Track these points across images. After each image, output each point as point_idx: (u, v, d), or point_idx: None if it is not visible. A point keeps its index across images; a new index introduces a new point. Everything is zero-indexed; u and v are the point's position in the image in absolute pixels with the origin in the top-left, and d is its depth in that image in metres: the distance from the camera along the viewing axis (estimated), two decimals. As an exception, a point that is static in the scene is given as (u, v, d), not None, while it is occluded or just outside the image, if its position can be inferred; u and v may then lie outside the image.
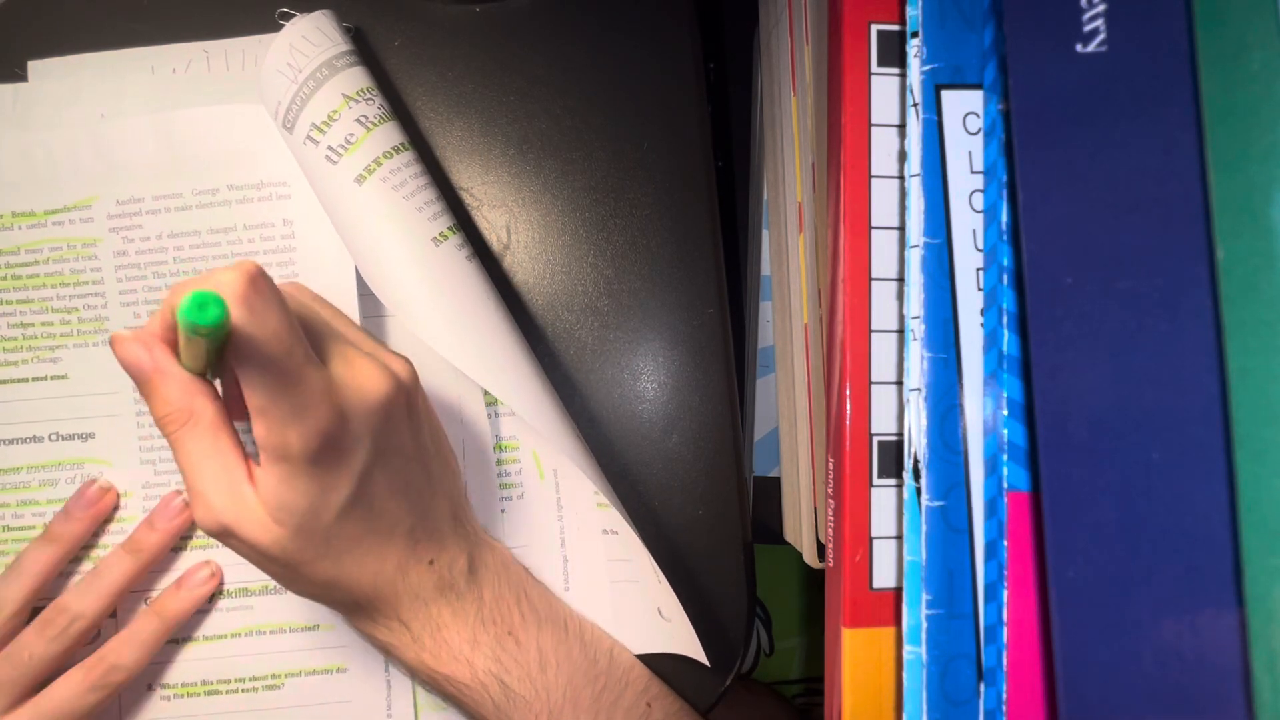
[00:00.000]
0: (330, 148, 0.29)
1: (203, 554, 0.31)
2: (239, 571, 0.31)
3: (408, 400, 0.26)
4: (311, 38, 0.29)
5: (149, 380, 0.23)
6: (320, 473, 0.23)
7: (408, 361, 0.27)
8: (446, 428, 0.31)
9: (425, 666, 0.27)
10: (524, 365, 0.29)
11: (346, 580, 0.25)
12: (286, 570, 0.25)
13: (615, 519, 0.31)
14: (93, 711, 0.28)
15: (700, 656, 0.30)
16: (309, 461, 0.23)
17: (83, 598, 0.29)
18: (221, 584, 0.31)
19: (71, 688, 0.28)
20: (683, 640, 0.30)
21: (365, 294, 0.30)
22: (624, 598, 0.31)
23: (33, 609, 0.29)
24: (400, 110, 0.33)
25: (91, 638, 0.29)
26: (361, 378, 0.24)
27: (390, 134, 0.29)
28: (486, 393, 0.31)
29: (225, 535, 0.24)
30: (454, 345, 0.28)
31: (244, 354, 0.21)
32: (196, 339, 0.21)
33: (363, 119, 0.29)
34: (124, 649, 0.29)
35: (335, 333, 0.25)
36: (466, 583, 0.27)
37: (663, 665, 0.31)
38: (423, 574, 0.26)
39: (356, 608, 0.27)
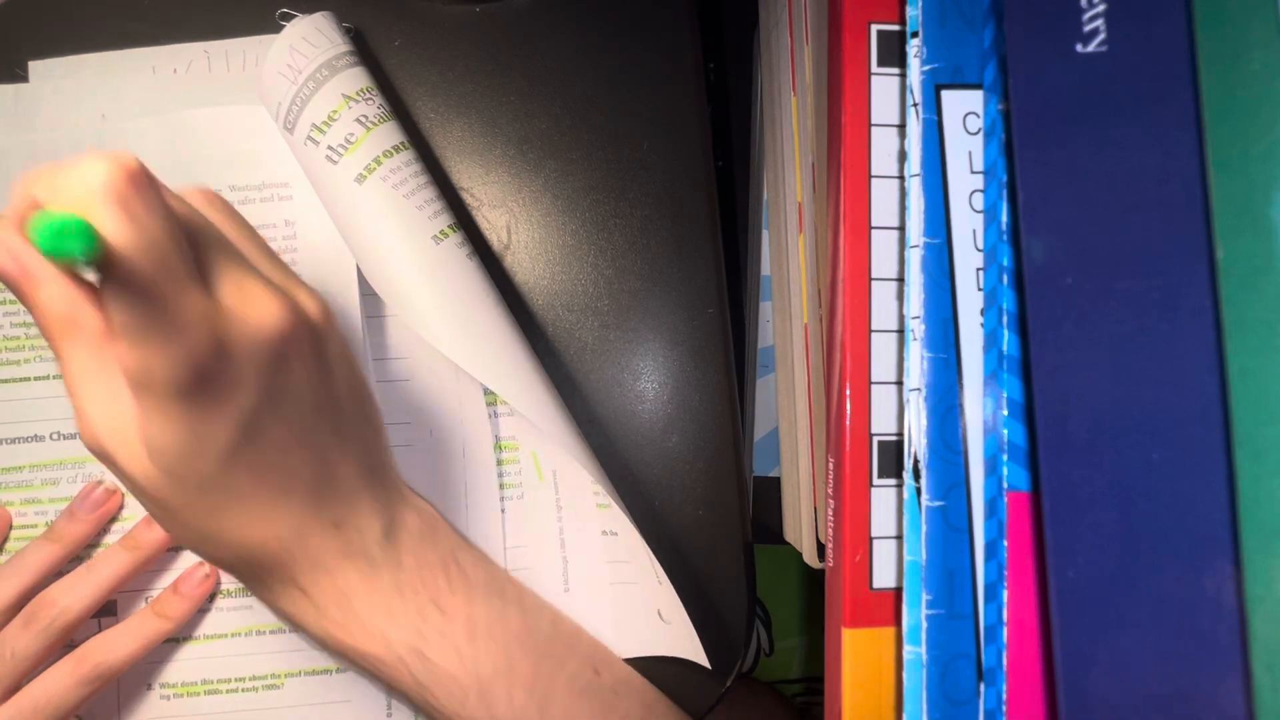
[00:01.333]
0: (330, 148, 0.29)
1: (203, 554, 0.31)
2: (239, 571, 0.31)
3: (311, 339, 0.22)
4: (311, 39, 0.29)
5: (18, 286, 0.20)
6: (194, 413, 0.20)
7: (319, 298, 0.23)
8: (446, 428, 0.31)
9: (333, 639, 0.25)
10: (525, 363, 0.29)
11: (230, 538, 0.22)
12: (163, 514, 0.22)
13: (615, 520, 0.31)
14: (80, 706, 0.28)
15: (701, 659, 0.30)
16: (177, 397, 0.20)
17: (71, 592, 0.28)
18: (219, 583, 0.31)
19: (59, 681, 0.28)
20: (683, 642, 0.30)
21: (367, 293, 0.30)
22: (624, 599, 0.31)
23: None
24: (400, 110, 0.33)
25: (76, 633, 0.29)
26: (254, 308, 0.21)
27: (390, 133, 0.30)
28: (487, 392, 0.31)
29: (104, 458, 0.22)
30: (455, 343, 0.28)
31: (113, 260, 0.18)
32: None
33: (362, 119, 0.29)
34: (115, 644, 0.29)
35: (234, 255, 0.22)
36: (382, 549, 0.24)
37: (663, 667, 0.31)
38: (326, 537, 0.23)
39: (249, 572, 0.24)
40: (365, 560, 0.24)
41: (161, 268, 0.19)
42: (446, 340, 0.28)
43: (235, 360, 0.20)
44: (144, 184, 0.19)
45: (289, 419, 0.22)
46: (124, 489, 0.31)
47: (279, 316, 0.21)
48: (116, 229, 0.18)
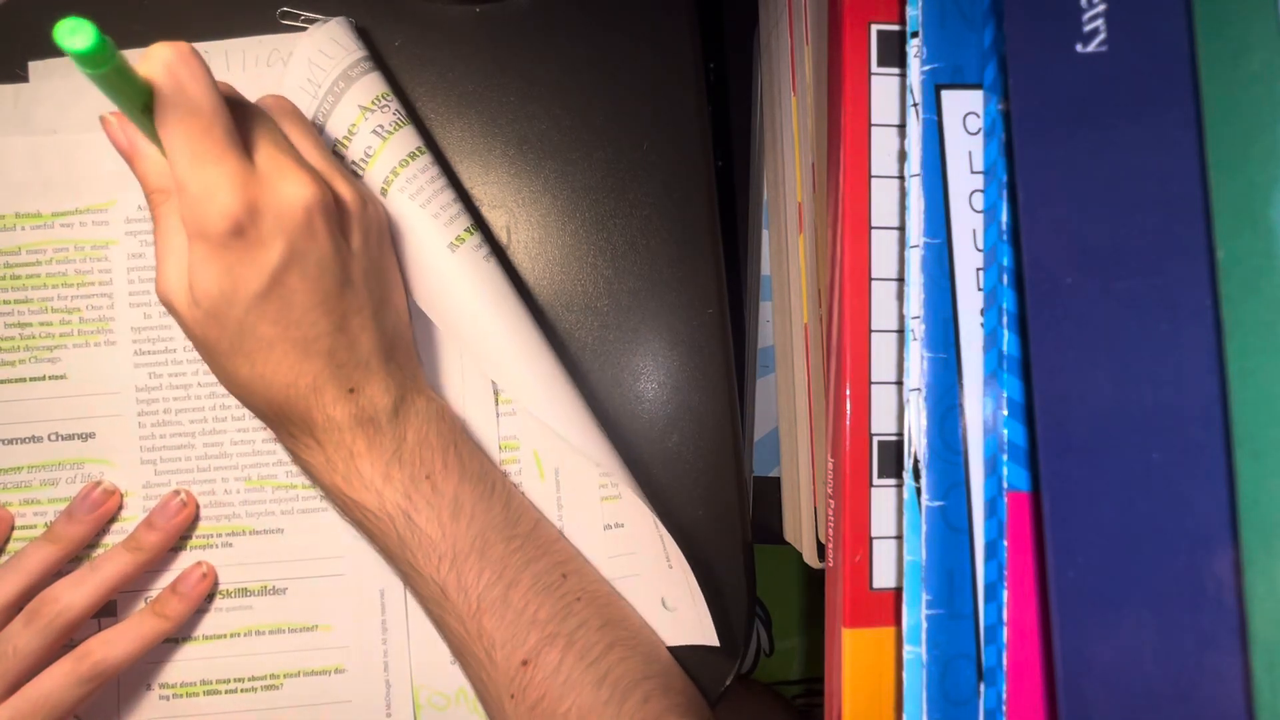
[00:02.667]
0: (354, 161, 0.30)
1: (201, 554, 0.31)
2: (237, 572, 0.31)
3: (338, 217, 0.26)
4: (327, 50, 0.30)
5: (130, 158, 0.25)
6: (231, 260, 0.24)
7: (359, 191, 0.27)
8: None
9: (338, 490, 0.27)
10: (543, 363, 0.30)
11: (260, 384, 0.26)
12: (208, 357, 0.26)
13: (619, 512, 0.31)
14: (79, 704, 0.28)
15: (711, 638, 0.30)
16: (219, 245, 0.24)
17: (73, 590, 0.29)
18: (216, 584, 0.31)
19: (57, 679, 0.28)
20: (690, 627, 0.30)
21: None
22: (627, 593, 0.31)
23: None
24: (407, 111, 0.33)
25: (76, 632, 0.29)
26: (287, 180, 0.25)
27: (405, 140, 0.30)
28: (493, 392, 0.32)
29: (168, 307, 0.26)
30: (477, 350, 0.29)
31: (162, 116, 0.23)
32: (116, 93, 0.22)
33: (379, 129, 0.29)
34: (114, 644, 0.29)
35: (277, 136, 0.26)
36: (389, 421, 0.27)
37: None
38: (341, 399, 0.26)
39: (276, 419, 0.27)
40: (374, 427, 0.27)
41: (204, 127, 0.23)
42: (469, 347, 0.29)
43: (265, 220, 0.24)
44: (190, 59, 0.23)
45: (311, 283, 0.25)
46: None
47: (307, 189, 0.25)
48: (164, 83, 0.23)
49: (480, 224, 0.32)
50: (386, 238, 0.29)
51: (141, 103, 0.23)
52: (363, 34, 0.32)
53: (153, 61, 0.23)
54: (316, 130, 0.28)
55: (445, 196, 0.30)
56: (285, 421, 0.27)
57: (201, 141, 0.23)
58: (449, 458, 0.28)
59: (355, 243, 0.27)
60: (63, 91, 0.32)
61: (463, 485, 0.28)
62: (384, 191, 0.29)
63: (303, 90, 0.30)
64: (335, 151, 0.30)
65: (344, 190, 0.27)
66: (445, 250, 0.29)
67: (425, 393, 0.29)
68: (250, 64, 0.32)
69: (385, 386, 0.27)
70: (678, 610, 0.30)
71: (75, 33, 0.20)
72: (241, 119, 0.25)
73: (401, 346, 0.29)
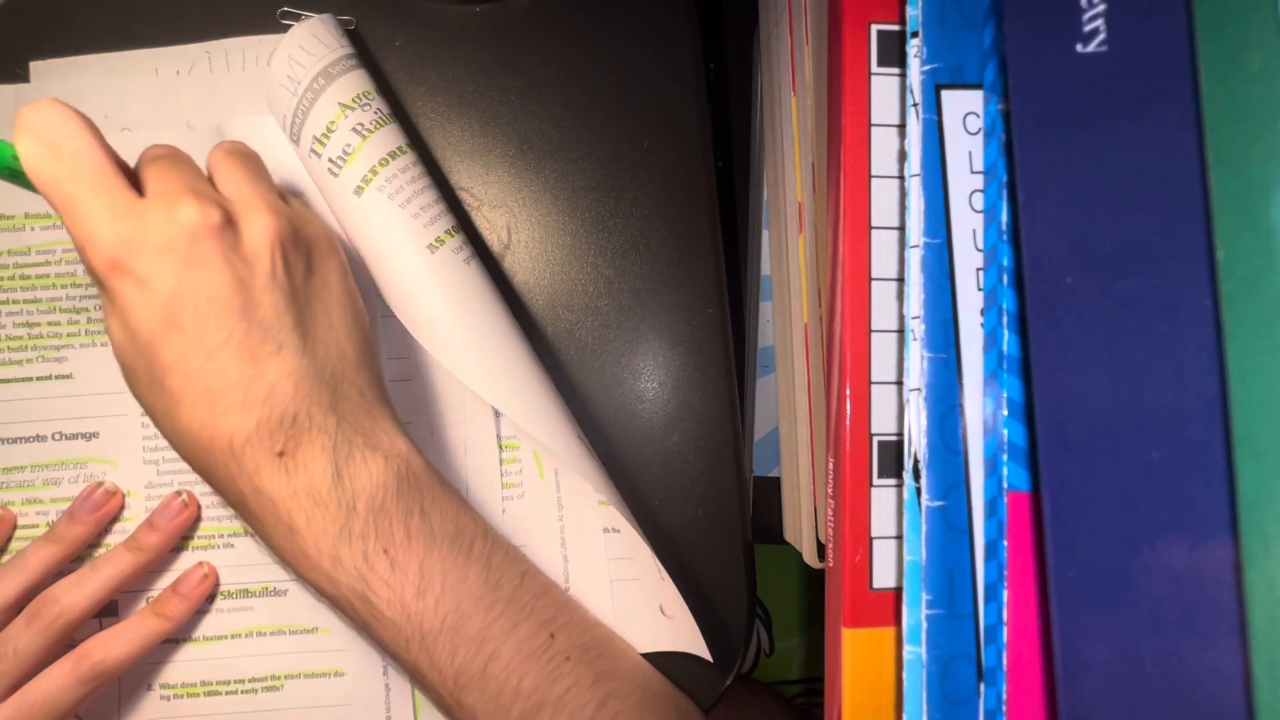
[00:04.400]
0: (331, 160, 0.29)
1: (202, 554, 0.31)
2: (238, 573, 0.31)
3: (242, 240, 0.23)
4: (308, 47, 0.29)
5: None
6: (121, 303, 0.22)
7: (281, 222, 0.24)
8: (448, 427, 0.31)
9: (286, 564, 0.25)
10: (523, 371, 0.29)
11: (181, 444, 0.23)
12: (142, 406, 0.24)
13: (617, 517, 0.31)
14: (79, 705, 0.28)
15: (703, 652, 0.30)
16: (108, 289, 0.22)
17: (73, 590, 0.29)
18: (217, 585, 0.31)
19: (57, 680, 0.28)
20: (685, 637, 0.30)
21: (379, 294, 0.31)
22: (625, 596, 0.31)
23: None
24: (400, 111, 0.33)
25: (77, 632, 0.29)
26: (171, 205, 0.22)
27: (386, 139, 0.30)
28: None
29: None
30: (452, 354, 0.28)
31: (36, 182, 0.22)
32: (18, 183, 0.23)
33: (359, 127, 0.29)
34: (114, 644, 0.29)
35: (174, 167, 0.24)
36: (330, 489, 0.23)
37: (664, 664, 0.31)
38: (264, 465, 0.23)
39: (207, 476, 0.24)
40: (310, 499, 0.23)
41: (66, 169, 0.22)
42: (444, 353, 0.28)
43: (144, 252, 0.22)
44: (45, 109, 0.22)
45: (207, 321, 0.22)
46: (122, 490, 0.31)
47: (190, 213, 0.22)
48: (26, 148, 0.22)
49: (467, 227, 0.32)
50: (330, 262, 0.25)
51: (10, 169, 0.23)
52: (353, 34, 0.32)
53: (17, 124, 0.22)
54: (263, 162, 0.27)
55: (427, 197, 0.30)
56: (214, 482, 0.24)
57: (72, 186, 0.22)
58: (412, 524, 0.25)
59: (265, 268, 0.23)
60: (65, 92, 0.32)
61: (430, 556, 0.25)
62: (360, 190, 0.29)
63: (283, 87, 0.29)
64: (312, 150, 0.29)
65: (257, 215, 0.23)
66: (424, 251, 0.29)
67: (381, 448, 0.25)
68: (251, 64, 0.32)
69: (322, 448, 0.23)
70: (676, 618, 0.30)
71: None
72: (143, 157, 0.24)
73: (349, 394, 0.25)
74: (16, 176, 0.23)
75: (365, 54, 0.32)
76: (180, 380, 0.22)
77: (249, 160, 0.26)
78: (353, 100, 0.29)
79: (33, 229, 0.32)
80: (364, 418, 0.25)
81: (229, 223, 0.23)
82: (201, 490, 0.31)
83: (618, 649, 0.29)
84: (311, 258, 0.25)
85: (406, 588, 0.24)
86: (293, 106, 0.29)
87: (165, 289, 0.22)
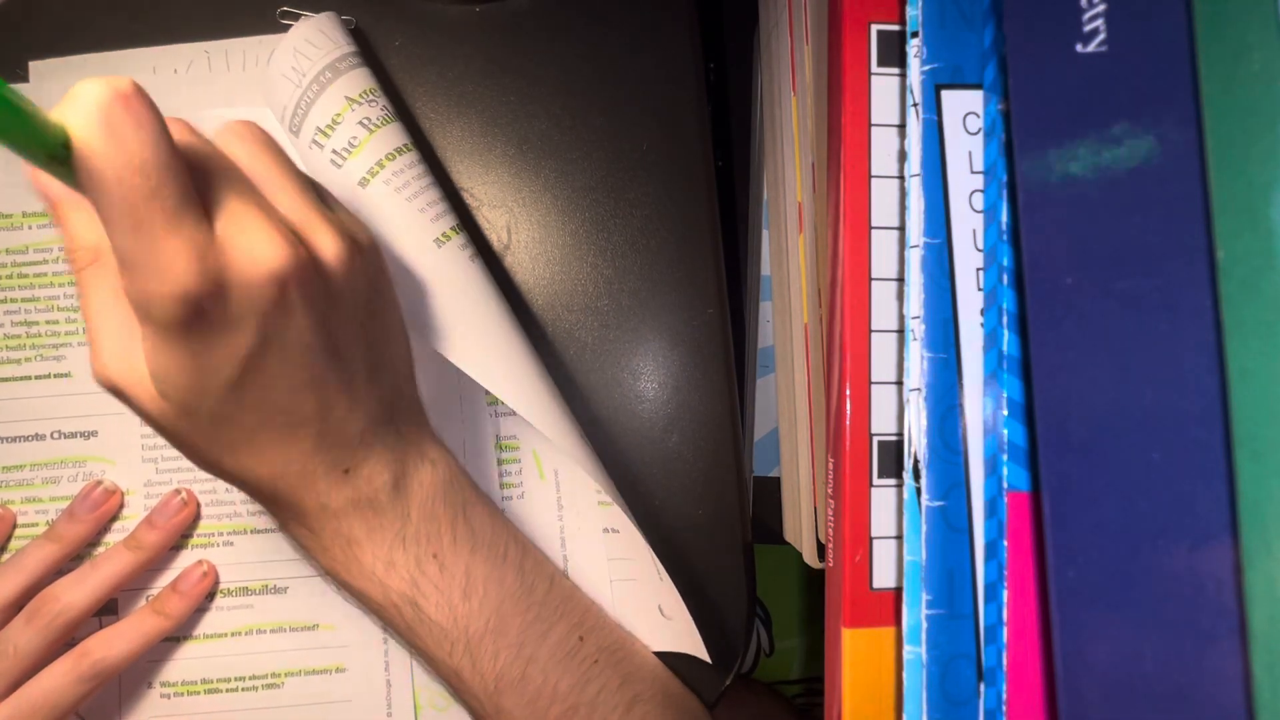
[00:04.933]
0: (335, 151, 0.29)
1: (201, 552, 0.31)
2: (238, 571, 0.31)
3: (317, 282, 0.22)
4: (315, 41, 0.29)
5: (55, 208, 0.21)
6: (196, 347, 0.20)
7: (341, 241, 0.22)
8: (448, 427, 0.31)
9: (337, 576, 0.25)
10: (526, 366, 0.29)
11: (245, 474, 0.23)
12: (183, 448, 0.23)
13: (616, 517, 0.31)
14: (79, 703, 0.28)
15: (702, 653, 0.30)
16: (179, 330, 0.19)
17: (73, 589, 0.29)
18: (217, 582, 0.31)
19: (57, 678, 0.28)
20: (684, 637, 0.30)
21: None
22: (624, 596, 0.31)
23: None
24: (400, 110, 0.33)
25: (77, 630, 0.29)
26: (255, 247, 0.20)
27: (392, 135, 0.30)
28: (489, 392, 0.31)
29: (114, 393, 0.22)
30: (456, 348, 0.28)
31: (94, 176, 0.18)
32: (24, 151, 0.17)
33: (365, 121, 0.29)
34: (115, 642, 0.29)
35: (243, 189, 0.21)
36: (390, 498, 0.25)
37: (666, 663, 0.31)
38: (334, 484, 0.24)
39: (267, 503, 0.24)
40: (371, 509, 0.24)
41: (150, 190, 0.18)
42: (448, 346, 0.28)
43: (231, 298, 0.20)
44: (133, 104, 0.18)
45: (293, 365, 0.22)
46: (122, 490, 0.31)
47: (280, 258, 0.20)
48: (92, 132, 0.17)
49: (468, 228, 0.32)
50: (382, 279, 0.25)
51: (46, 150, 0.17)
52: (357, 34, 0.32)
53: (78, 105, 0.17)
54: (292, 161, 0.24)
55: (431, 194, 0.30)
56: (276, 507, 0.25)
57: (148, 206, 0.18)
58: (458, 529, 0.26)
59: (343, 307, 0.23)
60: (63, 91, 0.32)
61: (474, 559, 0.26)
62: (365, 183, 0.29)
63: (286, 79, 0.29)
64: (314, 141, 0.29)
65: (325, 241, 0.22)
66: (430, 246, 0.29)
67: (430, 455, 0.26)
68: (250, 64, 0.32)
69: (383, 461, 0.24)
70: (674, 618, 0.30)
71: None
72: (199, 167, 0.20)
73: (402, 407, 0.26)
74: (58, 166, 0.18)
75: (367, 53, 0.32)
76: (258, 416, 0.22)
77: (283, 159, 0.23)
78: (359, 95, 0.29)
79: (30, 227, 0.32)
80: (415, 428, 0.26)
81: (309, 260, 0.21)
82: (201, 488, 0.31)
83: (637, 651, 0.30)
84: (371, 273, 0.24)
85: (454, 590, 0.25)
86: (295, 98, 0.29)
87: (251, 336, 0.20)
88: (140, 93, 0.18)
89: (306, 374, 0.22)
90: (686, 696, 0.30)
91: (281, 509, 0.25)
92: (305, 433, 0.23)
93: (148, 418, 0.22)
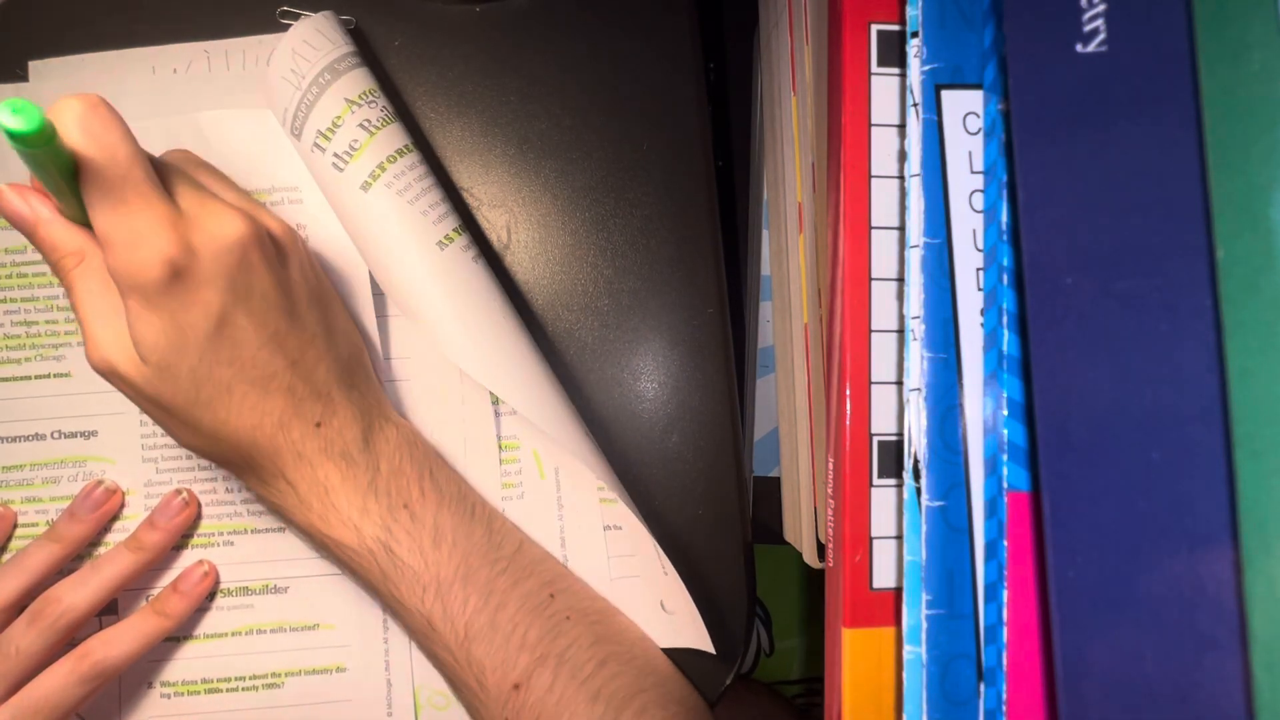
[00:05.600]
0: (336, 154, 0.29)
1: (202, 552, 0.31)
2: (238, 571, 0.31)
3: (272, 248, 0.25)
4: (313, 42, 0.29)
5: (33, 229, 0.24)
6: (173, 306, 0.23)
7: (283, 222, 0.27)
8: (448, 427, 0.31)
9: (315, 530, 0.27)
10: (530, 366, 0.30)
11: (225, 430, 0.25)
12: (163, 415, 0.25)
13: (619, 514, 0.31)
14: (80, 704, 0.28)
15: (706, 645, 0.30)
16: (158, 292, 0.23)
17: (75, 590, 0.29)
18: (217, 582, 0.31)
19: (58, 679, 0.28)
20: (687, 631, 0.30)
21: (380, 294, 0.30)
22: (625, 594, 0.31)
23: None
24: (400, 110, 0.33)
25: (79, 631, 0.29)
26: (214, 217, 0.24)
27: (393, 137, 0.30)
28: (490, 391, 0.31)
29: (110, 374, 0.25)
30: (461, 349, 0.29)
31: (86, 175, 0.22)
32: (42, 164, 0.21)
33: (365, 124, 0.29)
34: (114, 643, 0.29)
35: (194, 181, 0.25)
36: (360, 451, 0.27)
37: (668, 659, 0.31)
38: (307, 434, 0.26)
39: (244, 465, 0.26)
40: (344, 459, 0.27)
41: (123, 173, 0.23)
42: (453, 348, 0.29)
43: (202, 259, 0.24)
44: (101, 109, 0.22)
45: (259, 318, 0.25)
46: (116, 489, 0.31)
47: (236, 223, 0.24)
48: (81, 140, 0.22)
49: (470, 228, 0.32)
50: (317, 264, 0.28)
51: (68, 171, 0.22)
52: (355, 33, 0.32)
53: (66, 119, 0.22)
54: (218, 172, 0.28)
55: (434, 195, 0.30)
56: (253, 466, 0.26)
57: (124, 191, 0.23)
58: (425, 484, 0.28)
59: (294, 272, 0.26)
60: (62, 91, 0.32)
61: (442, 511, 0.28)
62: (367, 185, 0.29)
63: (286, 80, 0.29)
64: (315, 144, 0.29)
65: (270, 222, 0.26)
66: (433, 248, 0.29)
67: (393, 419, 0.29)
68: (250, 64, 0.32)
69: (351, 415, 0.27)
70: (676, 614, 0.30)
71: (18, 115, 0.19)
72: (156, 166, 0.25)
73: (359, 372, 0.28)
74: (37, 150, 0.21)
75: (367, 53, 0.32)
76: (231, 371, 0.25)
77: (218, 172, 0.28)
78: (359, 97, 0.29)
79: (32, 228, 0.32)
80: (374, 396, 0.29)
81: (264, 229, 0.25)
82: (201, 488, 0.31)
83: (619, 622, 0.30)
84: (309, 254, 0.28)
85: (425, 537, 0.27)
86: (296, 100, 0.29)
87: (222, 291, 0.24)
88: (105, 102, 0.23)
89: (272, 327, 0.25)
90: (675, 675, 0.30)
91: (259, 466, 0.26)
92: (276, 385, 0.26)
93: (134, 389, 0.25)
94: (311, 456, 0.26)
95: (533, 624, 0.28)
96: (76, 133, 0.22)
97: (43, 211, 0.24)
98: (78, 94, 0.22)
